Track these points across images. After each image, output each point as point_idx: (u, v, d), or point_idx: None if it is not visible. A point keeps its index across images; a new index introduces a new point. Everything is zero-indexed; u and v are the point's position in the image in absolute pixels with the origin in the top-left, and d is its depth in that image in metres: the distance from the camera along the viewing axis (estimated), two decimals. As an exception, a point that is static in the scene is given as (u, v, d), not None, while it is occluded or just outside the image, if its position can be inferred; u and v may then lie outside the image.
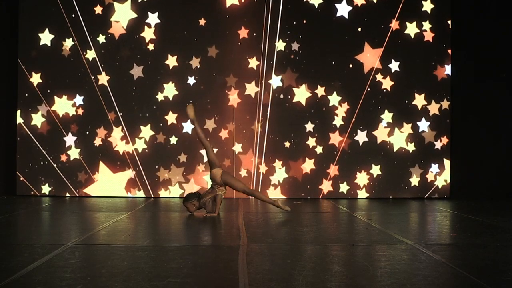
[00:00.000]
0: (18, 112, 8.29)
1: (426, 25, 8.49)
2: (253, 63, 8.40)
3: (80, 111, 8.33)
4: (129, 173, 8.36)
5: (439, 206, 7.56)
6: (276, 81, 8.45)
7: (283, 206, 6.45)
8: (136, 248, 4.32)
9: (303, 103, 8.44)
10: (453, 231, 5.50)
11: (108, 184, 8.36)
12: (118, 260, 3.89)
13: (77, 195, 8.32)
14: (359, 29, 8.44)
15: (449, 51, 8.52)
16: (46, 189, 8.31)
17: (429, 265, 3.82)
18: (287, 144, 8.43)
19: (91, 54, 8.30)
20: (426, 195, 8.52)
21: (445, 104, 8.54)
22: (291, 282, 3.31)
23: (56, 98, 8.30)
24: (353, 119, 8.45)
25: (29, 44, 8.29)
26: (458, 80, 8.61)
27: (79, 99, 8.31)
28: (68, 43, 8.27)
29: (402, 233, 5.14)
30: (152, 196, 8.38)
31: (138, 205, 7.36)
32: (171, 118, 8.38)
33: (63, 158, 8.31)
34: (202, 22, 8.38)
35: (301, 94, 8.44)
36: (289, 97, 8.45)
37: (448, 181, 8.56)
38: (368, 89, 8.44)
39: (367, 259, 4.03)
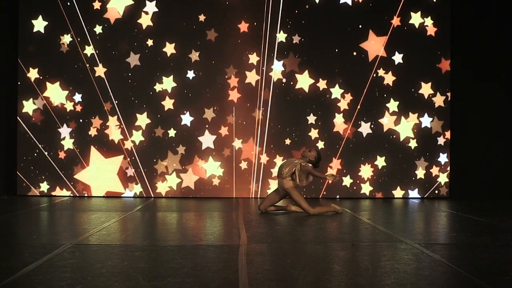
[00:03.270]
0: (19, 112, 8.30)
1: (431, 17, 8.47)
2: (253, 58, 8.38)
3: (78, 108, 8.31)
4: (121, 158, 8.33)
5: (439, 206, 7.57)
6: (278, 66, 8.40)
7: (335, 207, 6.63)
8: (136, 248, 4.33)
9: (306, 90, 8.41)
10: (453, 231, 5.51)
11: (100, 165, 8.33)
12: (118, 260, 3.90)
13: (73, 188, 8.30)
14: (363, 23, 8.42)
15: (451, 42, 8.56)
16: (44, 186, 8.30)
17: (429, 264, 3.83)
18: (287, 141, 8.43)
19: (89, 50, 8.27)
20: (431, 189, 8.52)
21: (450, 96, 8.58)
22: (291, 282, 3.32)
23: (53, 90, 8.26)
24: (358, 106, 8.41)
25: (27, 39, 8.27)
26: (458, 79, 8.61)
27: (78, 97, 8.30)
28: (67, 39, 8.26)
29: (402, 233, 5.15)
30: (150, 191, 8.36)
31: (138, 205, 7.37)
32: (168, 103, 8.35)
33: (60, 151, 8.29)
34: (201, 13, 8.34)
35: (304, 81, 8.40)
36: (291, 83, 8.42)
37: (451, 175, 8.61)
38: (374, 75, 8.41)
39: (367, 259, 4.04)
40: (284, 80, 8.40)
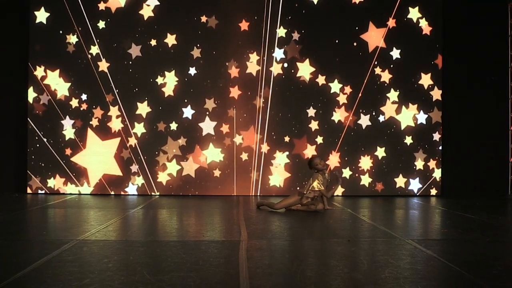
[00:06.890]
0: (27, 112, 8.42)
1: (425, 18, 8.60)
2: (253, 58, 8.47)
3: (81, 100, 8.39)
4: (118, 141, 8.41)
5: (431, 204, 7.69)
6: (279, 54, 8.48)
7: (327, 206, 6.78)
8: (141, 244, 4.45)
9: (307, 79, 8.48)
10: (445, 228, 5.63)
11: (97, 147, 8.41)
12: (124, 255, 4.01)
13: (76, 180, 8.41)
14: (363, 17, 8.55)
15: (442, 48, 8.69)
16: (51, 182, 8.42)
17: (422, 259, 3.95)
18: (287, 139, 8.53)
19: (94, 49, 8.38)
20: (428, 182, 8.65)
21: (442, 95, 8.68)
22: (290, 276, 3.42)
23: (55, 82, 8.36)
24: (360, 95, 8.49)
25: (33, 34, 8.37)
26: (451, 79, 8.71)
27: (81, 89, 8.40)
28: (73, 39, 8.35)
29: (396, 229, 5.28)
30: (152, 181, 8.46)
31: (143, 203, 7.50)
32: (168, 90, 8.41)
33: (66, 148, 8.41)
34: (201, 11, 8.46)
35: (305, 69, 8.47)
36: (292, 71, 8.50)
37: (442, 175, 8.73)
38: (375, 63, 8.49)
39: (362, 254, 4.15)
40: (285, 65, 8.45)
